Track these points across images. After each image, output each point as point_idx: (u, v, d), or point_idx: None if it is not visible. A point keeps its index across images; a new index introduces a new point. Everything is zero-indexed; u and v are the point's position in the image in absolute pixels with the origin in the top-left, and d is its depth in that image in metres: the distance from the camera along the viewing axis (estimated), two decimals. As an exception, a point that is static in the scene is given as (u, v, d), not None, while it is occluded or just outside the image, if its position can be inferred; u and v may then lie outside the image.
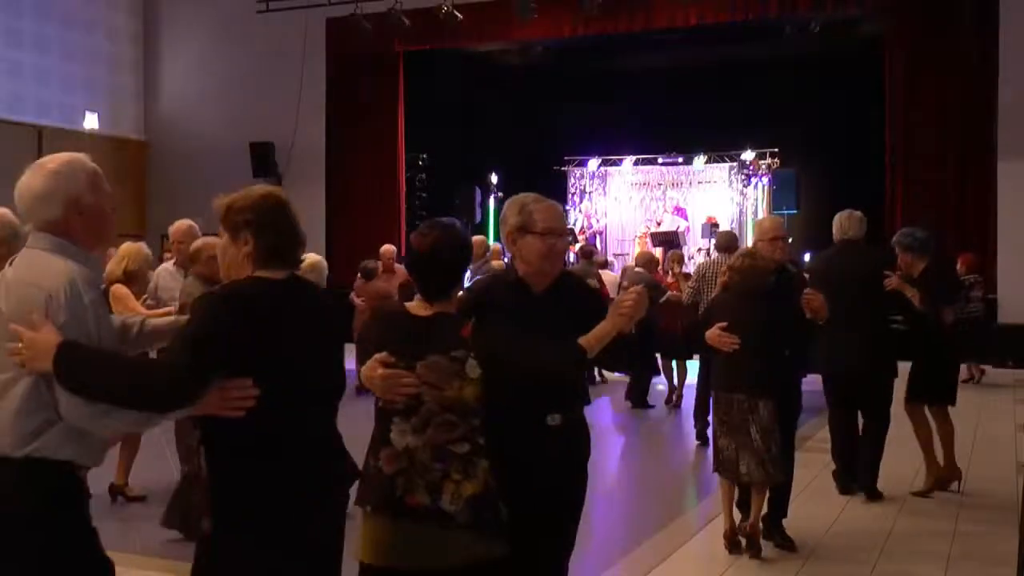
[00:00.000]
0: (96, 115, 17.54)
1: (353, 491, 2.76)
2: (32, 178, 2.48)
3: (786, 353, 5.03)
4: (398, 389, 2.78)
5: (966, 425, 8.46)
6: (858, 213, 6.38)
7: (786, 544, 5.17)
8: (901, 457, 6.51)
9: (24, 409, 2.33)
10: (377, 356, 2.82)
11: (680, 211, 18.79)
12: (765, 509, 5.10)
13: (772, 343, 4.89)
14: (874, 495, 6.12)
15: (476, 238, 9.58)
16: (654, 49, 16.76)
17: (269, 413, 2.40)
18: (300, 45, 16.81)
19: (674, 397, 9.97)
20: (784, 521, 5.25)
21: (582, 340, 2.93)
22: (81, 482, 2.46)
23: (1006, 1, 13.57)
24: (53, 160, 2.51)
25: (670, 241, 16.00)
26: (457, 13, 15.01)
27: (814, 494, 6.20)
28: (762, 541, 5.06)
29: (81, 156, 2.56)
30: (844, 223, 6.29)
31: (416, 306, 2.93)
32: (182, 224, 6.23)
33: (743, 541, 5.04)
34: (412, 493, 2.74)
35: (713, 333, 4.87)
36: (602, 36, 16.12)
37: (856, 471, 6.22)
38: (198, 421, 2.46)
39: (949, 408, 6.35)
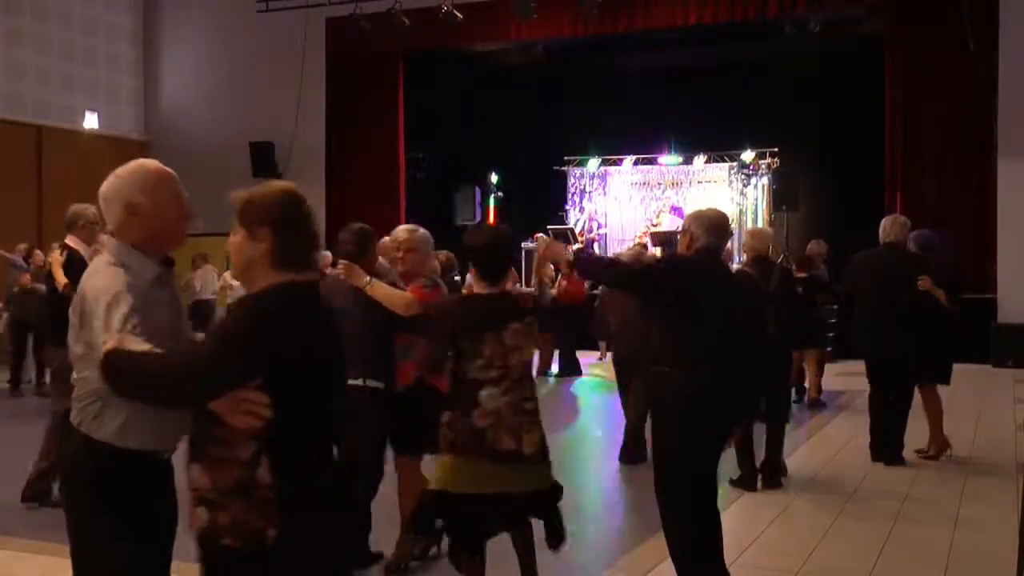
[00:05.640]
0: (96, 115, 17.54)
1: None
2: (104, 184, 2.65)
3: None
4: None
5: (966, 424, 8.46)
6: (902, 218, 7.12)
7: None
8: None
9: None
10: None
11: (677, 210, 18.74)
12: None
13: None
14: (897, 462, 6.89)
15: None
16: (654, 49, 16.75)
17: (321, 422, 2.44)
18: (300, 45, 16.80)
19: None
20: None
21: None
22: None
23: (1006, 1, 13.57)
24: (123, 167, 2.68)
25: (669, 241, 15.95)
26: (457, 13, 15.00)
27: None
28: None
29: (146, 161, 2.73)
30: (888, 227, 7.00)
31: (479, 288, 3.82)
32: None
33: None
34: (500, 441, 3.66)
35: None
36: (602, 36, 16.10)
37: (885, 443, 7.00)
38: (264, 430, 2.29)
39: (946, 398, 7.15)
